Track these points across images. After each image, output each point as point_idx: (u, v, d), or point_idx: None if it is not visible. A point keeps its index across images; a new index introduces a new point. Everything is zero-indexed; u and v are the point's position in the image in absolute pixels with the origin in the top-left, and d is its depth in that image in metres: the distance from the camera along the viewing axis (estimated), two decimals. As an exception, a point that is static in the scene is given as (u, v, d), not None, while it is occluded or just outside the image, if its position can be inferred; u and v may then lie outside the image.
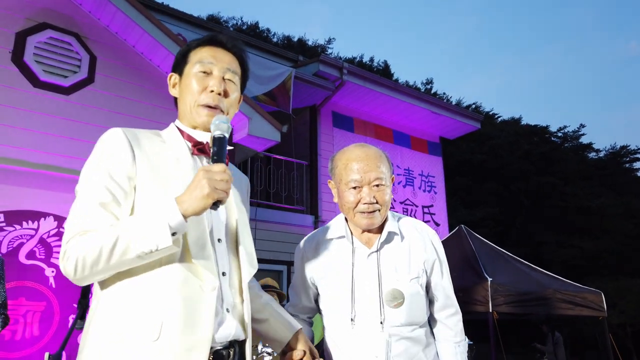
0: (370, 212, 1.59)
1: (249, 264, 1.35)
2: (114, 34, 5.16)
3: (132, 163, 1.19)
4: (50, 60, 4.70)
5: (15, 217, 4.15)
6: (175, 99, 1.43)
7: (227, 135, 1.21)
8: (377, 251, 1.63)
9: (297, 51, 14.49)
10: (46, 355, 1.90)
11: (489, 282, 4.89)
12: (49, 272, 4.22)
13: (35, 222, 4.25)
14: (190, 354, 1.10)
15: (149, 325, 1.09)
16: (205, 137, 1.34)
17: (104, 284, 1.17)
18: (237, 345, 1.25)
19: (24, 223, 4.19)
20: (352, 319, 1.57)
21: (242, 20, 25.27)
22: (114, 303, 1.13)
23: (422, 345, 1.59)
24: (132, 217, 1.13)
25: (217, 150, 1.17)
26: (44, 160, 4.39)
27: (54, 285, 4.20)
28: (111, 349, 1.08)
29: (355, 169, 1.60)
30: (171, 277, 1.14)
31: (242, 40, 7.72)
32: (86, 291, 2.16)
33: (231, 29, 21.51)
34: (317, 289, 1.73)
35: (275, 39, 24.83)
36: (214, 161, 1.16)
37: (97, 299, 1.18)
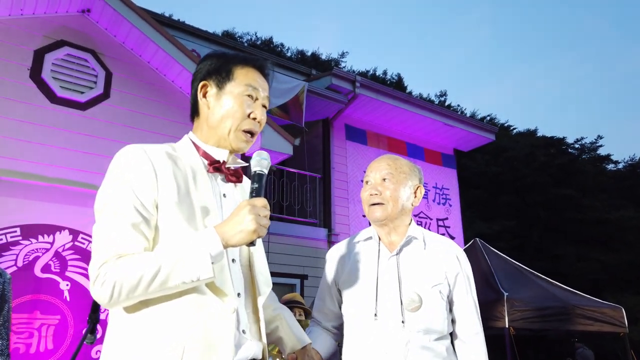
0: (373, 204, 1.70)
1: (264, 284, 1.33)
2: (130, 50, 5.26)
3: (155, 181, 1.15)
4: (67, 76, 4.79)
5: (31, 230, 4.21)
6: (196, 106, 1.35)
7: (266, 172, 1.22)
8: (397, 254, 1.68)
9: (310, 65, 14.60)
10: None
11: (505, 297, 4.80)
12: (64, 285, 4.25)
13: (51, 236, 4.30)
14: None
15: (171, 349, 1.07)
16: (222, 156, 1.31)
17: (124, 308, 1.14)
18: None
19: (40, 237, 4.24)
20: (375, 314, 1.59)
21: (256, 36, 25.60)
22: (134, 326, 1.11)
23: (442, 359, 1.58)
24: (173, 245, 1.10)
25: (257, 187, 1.18)
26: (60, 175, 4.45)
27: (68, 299, 4.23)
28: None
29: (370, 168, 1.77)
30: (192, 300, 1.12)
31: (256, 55, 7.81)
32: (96, 306, 2.17)
33: (245, 44, 21.78)
34: (340, 294, 1.76)
35: (289, 54, 25.07)
36: (253, 197, 1.15)
37: (116, 321, 1.14)
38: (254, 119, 1.31)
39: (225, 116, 1.29)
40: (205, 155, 1.31)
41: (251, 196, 1.16)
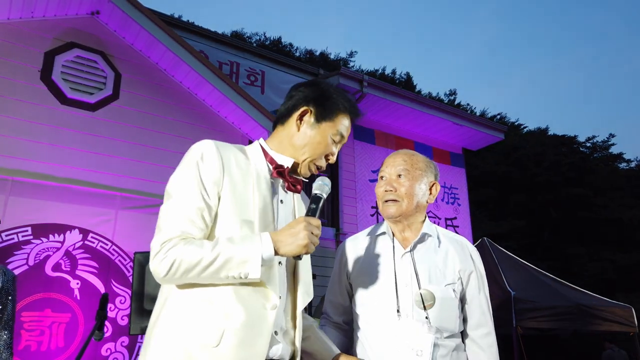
0: (387, 200, 1.68)
1: (305, 292, 1.39)
2: (138, 51, 5.31)
3: (221, 176, 1.26)
4: (77, 78, 4.85)
5: (42, 230, 4.27)
6: (286, 119, 1.44)
7: (325, 197, 1.33)
8: (410, 251, 1.66)
9: (319, 65, 14.58)
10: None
11: (512, 296, 4.79)
12: (74, 284, 4.31)
13: (61, 235, 4.35)
14: None
15: (211, 331, 1.14)
16: (287, 162, 1.40)
17: (175, 286, 1.23)
18: None
19: (50, 236, 4.30)
20: (397, 310, 1.58)
21: (265, 36, 25.62)
22: (181, 305, 1.19)
23: (452, 358, 1.57)
24: (231, 240, 1.18)
25: (315, 208, 1.29)
26: (70, 175, 4.51)
27: (78, 297, 4.29)
28: (174, 347, 1.14)
29: (386, 163, 1.75)
30: (238, 291, 1.20)
31: (264, 55, 7.84)
32: (104, 303, 2.20)
33: (254, 44, 21.84)
34: (352, 288, 1.75)
35: (297, 54, 25.07)
36: (309, 215, 1.25)
37: (166, 298, 1.23)
38: (328, 160, 1.44)
39: (308, 147, 1.40)
40: (272, 160, 1.40)
41: (307, 214, 1.26)
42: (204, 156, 1.27)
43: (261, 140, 1.46)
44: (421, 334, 1.53)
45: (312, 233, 1.20)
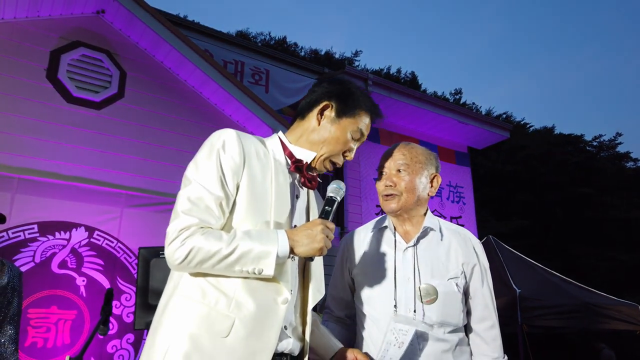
0: (387, 195, 1.67)
1: (317, 289, 1.38)
2: (144, 50, 5.33)
3: (242, 166, 1.25)
4: (83, 76, 4.88)
5: (48, 228, 4.29)
6: (307, 113, 1.43)
7: (339, 200, 1.34)
8: (413, 246, 1.66)
9: (324, 64, 14.57)
10: (67, 358, 1.95)
11: (518, 294, 4.77)
12: (80, 281, 4.33)
13: (67, 233, 4.38)
14: (254, 358, 1.15)
15: (221, 322, 1.14)
16: (306, 157, 1.39)
17: (186, 273, 1.22)
18: (289, 357, 1.30)
19: (57, 234, 4.32)
20: (395, 305, 1.58)
21: (270, 36, 25.61)
22: (192, 293, 1.18)
23: (454, 352, 1.57)
24: (249, 234, 1.18)
25: (330, 210, 1.29)
26: (76, 173, 4.54)
27: (84, 295, 4.31)
28: (182, 336, 1.13)
29: (385, 157, 1.74)
30: (250, 283, 1.19)
31: (268, 54, 7.85)
32: (109, 298, 2.21)
33: (259, 44, 21.86)
34: (354, 282, 1.75)
35: (302, 53, 25.05)
36: (323, 218, 1.26)
37: (175, 285, 1.22)
38: (345, 157, 1.43)
39: (327, 142, 1.39)
40: (290, 155, 1.40)
41: (321, 216, 1.27)
42: (226, 145, 1.26)
43: (280, 133, 1.45)
44: (404, 328, 1.53)
45: (327, 237, 1.21)
